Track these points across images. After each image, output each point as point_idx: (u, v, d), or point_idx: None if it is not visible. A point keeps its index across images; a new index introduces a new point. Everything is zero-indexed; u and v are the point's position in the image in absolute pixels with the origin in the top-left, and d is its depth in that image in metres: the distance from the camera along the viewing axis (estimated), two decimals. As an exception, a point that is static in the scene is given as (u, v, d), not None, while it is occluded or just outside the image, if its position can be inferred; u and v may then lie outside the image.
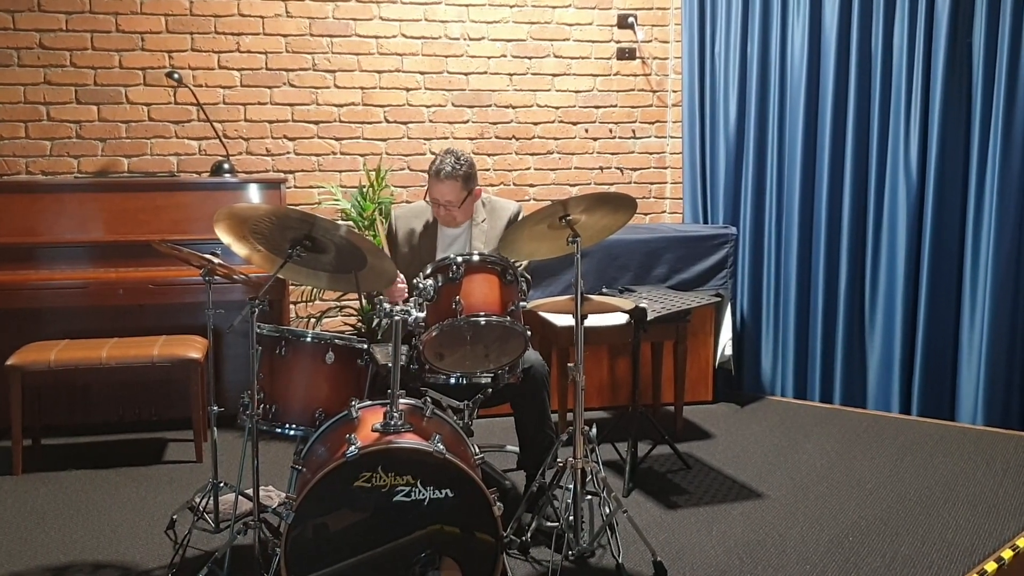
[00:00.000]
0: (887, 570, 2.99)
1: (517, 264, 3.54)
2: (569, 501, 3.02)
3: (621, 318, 4.09)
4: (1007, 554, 3.08)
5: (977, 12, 4.39)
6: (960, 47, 4.48)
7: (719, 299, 4.72)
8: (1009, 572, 3.06)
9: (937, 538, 3.23)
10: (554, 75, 5.33)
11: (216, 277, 3.12)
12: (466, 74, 5.22)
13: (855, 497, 3.63)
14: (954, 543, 3.19)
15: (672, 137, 5.53)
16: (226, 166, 4.75)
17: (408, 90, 5.15)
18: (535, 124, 5.35)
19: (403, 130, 5.17)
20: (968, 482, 3.78)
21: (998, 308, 4.41)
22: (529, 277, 3.67)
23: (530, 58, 5.29)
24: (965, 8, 4.43)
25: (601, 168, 5.49)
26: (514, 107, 5.31)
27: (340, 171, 5.10)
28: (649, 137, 5.53)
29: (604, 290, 4.57)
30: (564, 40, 5.32)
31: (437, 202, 3.47)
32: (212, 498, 3.13)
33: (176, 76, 4.71)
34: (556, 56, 5.32)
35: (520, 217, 3.62)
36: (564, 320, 4.15)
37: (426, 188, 3.54)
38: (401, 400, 2.74)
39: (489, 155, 5.30)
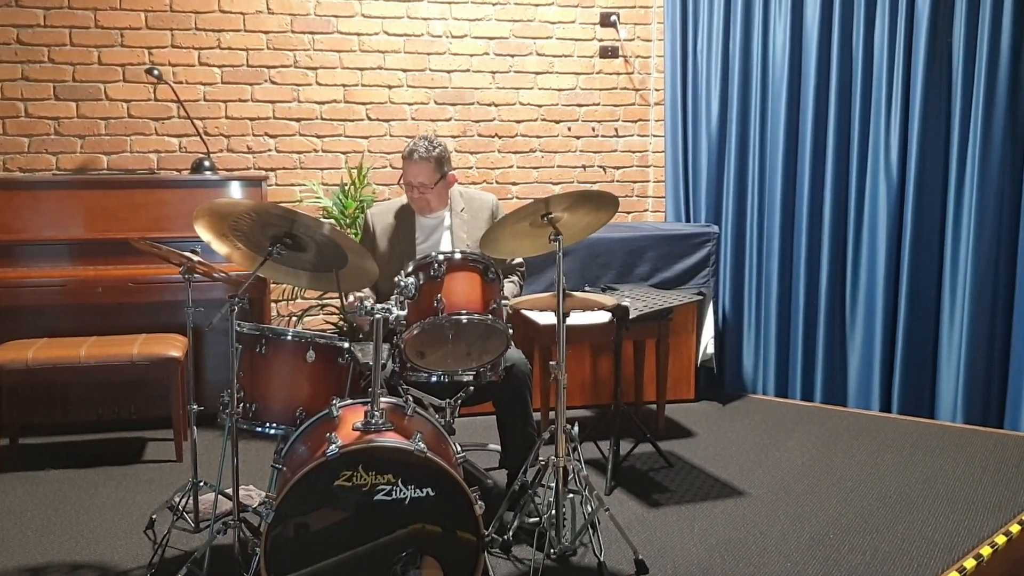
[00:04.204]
0: (867, 567, 3.01)
1: (513, 261, 3.57)
2: (551, 499, 3.02)
3: (603, 316, 4.10)
4: (986, 551, 3.10)
5: (957, 12, 4.42)
6: (940, 46, 4.50)
7: (701, 297, 4.74)
8: (988, 569, 3.08)
9: (917, 535, 3.25)
10: (537, 73, 5.33)
11: (196, 275, 3.10)
12: (449, 72, 5.20)
13: (836, 494, 3.64)
14: (934, 540, 3.21)
15: (654, 136, 5.54)
16: (206, 163, 4.72)
17: (390, 88, 5.13)
18: (518, 122, 5.35)
19: (385, 128, 5.15)
20: (948, 479, 3.80)
21: (977, 306, 4.45)
22: (523, 270, 3.68)
23: (513, 56, 5.28)
24: (945, 8, 4.46)
25: (584, 166, 5.49)
26: (497, 105, 5.30)
27: (322, 169, 5.08)
28: (632, 136, 5.54)
29: (586, 288, 4.58)
30: (547, 38, 5.32)
31: (410, 184, 3.48)
32: (192, 497, 3.11)
33: (156, 72, 4.67)
34: (539, 54, 5.32)
35: (498, 208, 3.65)
36: (546, 318, 4.15)
37: (400, 174, 3.55)
38: (382, 399, 2.73)
39: (472, 153, 5.29)
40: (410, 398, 2.87)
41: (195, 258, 3.06)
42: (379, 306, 2.70)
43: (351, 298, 3.21)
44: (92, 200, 4.43)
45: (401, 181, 3.56)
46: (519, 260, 3.67)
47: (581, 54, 5.38)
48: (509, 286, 3.52)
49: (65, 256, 4.34)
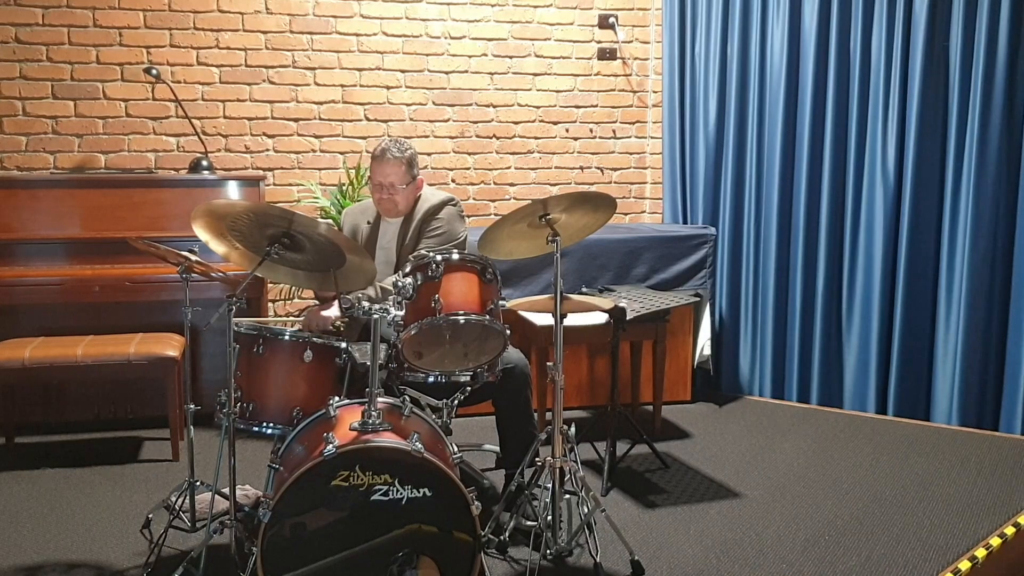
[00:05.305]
0: (863, 569, 3.01)
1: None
2: (547, 500, 3.02)
3: (601, 317, 4.10)
4: (980, 553, 3.11)
5: (954, 15, 4.43)
6: (937, 50, 4.51)
7: (698, 299, 4.74)
8: (983, 571, 3.09)
9: (912, 537, 3.26)
10: (535, 75, 5.34)
11: (193, 275, 3.10)
12: (447, 73, 5.21)
13: (831, 496, 3.65)
14: (929, 542, 3.22)
15: (652, 137, 5.54)
16: (204, 163, 4.72)
17: (389, 88, 5.14)
18: (516, 123, 5.35)
19: (383, 128, 5.15)
20: (943, 482, 3.81)
21: (973, 309, 4.45)
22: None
23: (511, 57, 5.29)
24: (942, 11, 4.47)
25: (582, 168, 5.49)
26: (495, 106, 5.30)
27: (320, 169, 5.08)
28: (629, 137, 5.54)
29: (584, 289, 4.58)
30: (545, 40, 5.32)
31: (380, 185, 3.48)
32: (188, 497, 3.11)
33: (154, 72, 4.67)
34: (537, 56, 5.32)
35: (438, 210, 3.57)
36: (544, 319, 4.15)
37: (367, 175, 3.54)
38: (379, 399, 2.73)
39: (470, 154, 5.29)
40: (407, 398, 2.87)
41: (193, 257, 3.06)
42: (377, 305, 2.70)
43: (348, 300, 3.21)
44: (90, 199, 4.43)
45: (368, 182, 3.54)
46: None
47: (579, 56, 5.39)
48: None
49: (62, 255, 4.34)
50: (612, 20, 5.37)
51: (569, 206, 2.95)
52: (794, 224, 4.95)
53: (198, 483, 3.13)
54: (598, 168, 5.52)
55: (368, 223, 3.65)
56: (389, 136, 3.51)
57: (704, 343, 4.89)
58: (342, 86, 5.07)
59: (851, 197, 4.80)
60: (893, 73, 4.60)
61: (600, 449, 3.96)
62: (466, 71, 5.24)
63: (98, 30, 4.76)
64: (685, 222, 5.32)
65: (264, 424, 2.87)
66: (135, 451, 4.17)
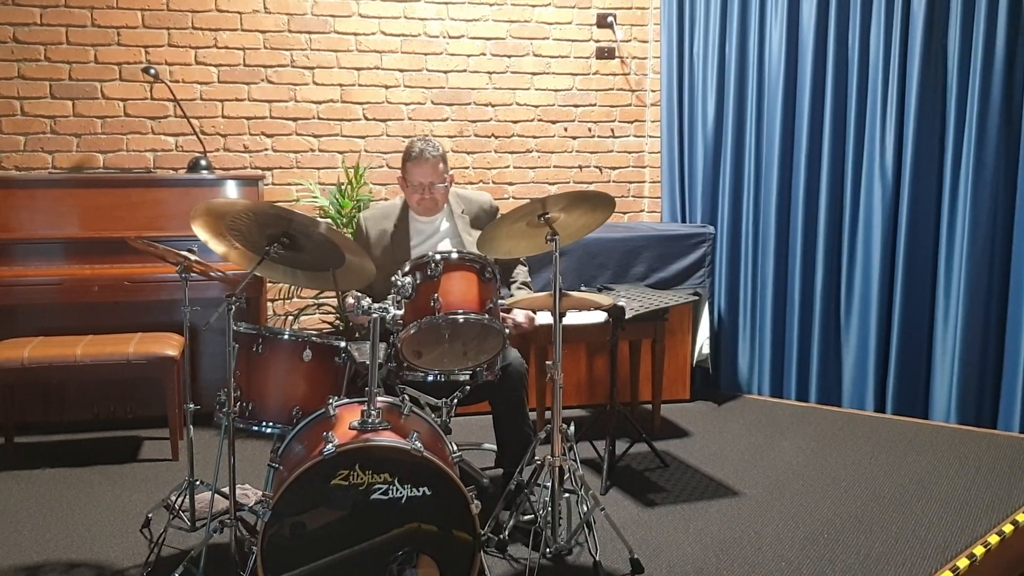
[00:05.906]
0: (861, 567, 3.02)
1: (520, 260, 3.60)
2: (547, 499, 3.03)
3: (599, 316, 4.11)
4: (979, 551, 3.11)
5: (952, 14, 4.43)
6: (935, 48, 4.52)
7: (697, 298, 4.75)
8: (981, 569, 3.10)
9: (910, 535, 3.26)
10: (533, 74, 5.34)
11: (192, 274, 3.10)
12: (445, 72, 5.21)
13: (830, 494, 3.66)
14: (927, 540, 3.22)
15: (651, 136, 5.55)
16: (203, 162, 4.72)
17: (387, 88, 5.14)
18: (514, 123, 5.36)
19: (382, 127, 5.16)
20: (941, 480, 3.81)
21: (971, 308, 4.46)
22: (526, 268, 3.70)
23: (509, 56, 5.29)
24: (940, 10, 4.47)
25: (580, 167, 5.50)
26: (493, 105, 5.31)
27: (318, 168, 5.08)
28: (628, 136, 5.55)
29: (583, 288, 4.59)
30: (543, 39, 5.33)
31: (421, 185, 3.45)
32: (188, 496, 3.11)
33: (152, 71, 4.67)
34: (535, 55, 5.33)
35: (493, 206, 3.70)
36: (542, 318, 4.15)
37: (402, 178, 3.52)
38: (379, 398, 2.73)
39: (468, 153, 5.29)
40: (406, 397, 2.87)
41: (192, 257, 3.06)
42: (376, 305, 2.71)
43: (350, 299, 3.21)
44: (88, 199, 4.43)
45: (406, 184, 3.51)
46: (519, 258, 3.67)
47: (578, 55, 5.39)
48: (522, 292, 3.59)
49: (61, 255, 4.34)
50: (610, 19, 5.38)
51: (568, 205, 2.95)
52: (792, 222, 4.95)
53: (198, 482, 3.13)
54: (597, 167, 5.53)
55: (395, 226, 3.61)
56: (420, 136, 3.53)
57: (703, 342, 4.89)
58: (341, 85, 5.07)
59: (849, 195, 4.80)
60: (891, 72, 4.60)
61: (599, 448, 3.97)
62: (464, 70, 5.24)
63: (96, 30, 4.76)
64: (684, 221, 5.33)
65: (264, 423, 2.87)
66: (135, 451, 4.17)
